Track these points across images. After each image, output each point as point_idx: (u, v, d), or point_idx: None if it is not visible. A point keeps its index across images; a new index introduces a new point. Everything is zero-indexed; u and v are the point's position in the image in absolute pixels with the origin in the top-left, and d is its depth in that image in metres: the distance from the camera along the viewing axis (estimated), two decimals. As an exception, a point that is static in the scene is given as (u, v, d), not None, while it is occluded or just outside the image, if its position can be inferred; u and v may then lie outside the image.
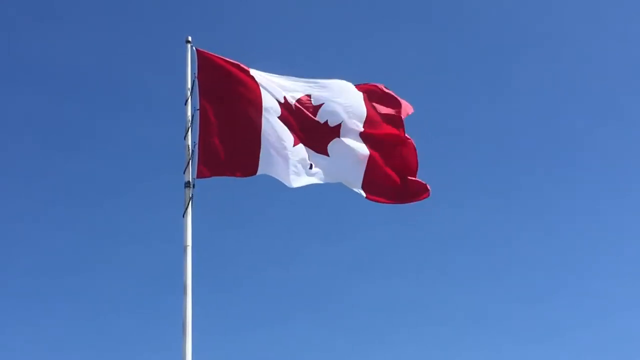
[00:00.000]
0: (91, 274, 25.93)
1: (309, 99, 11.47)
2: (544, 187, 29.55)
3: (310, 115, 11.38)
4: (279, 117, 11.18)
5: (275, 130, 11.12)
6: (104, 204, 27.40)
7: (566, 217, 29.24)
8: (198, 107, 11.04)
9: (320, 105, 11.47)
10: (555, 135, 30.12)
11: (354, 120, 11.53)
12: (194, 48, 11.28)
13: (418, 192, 11.66)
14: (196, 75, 11.15)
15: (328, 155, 11.36)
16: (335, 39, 29.88)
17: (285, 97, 11.30)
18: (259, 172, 11.07)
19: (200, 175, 10.82)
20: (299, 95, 11.44)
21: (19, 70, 28.42)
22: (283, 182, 11.10)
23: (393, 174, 11.55)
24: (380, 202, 11.58)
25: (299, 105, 11.36)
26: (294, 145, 11.17)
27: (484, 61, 30.69)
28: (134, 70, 28.76)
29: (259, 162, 11.05)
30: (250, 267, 26.79)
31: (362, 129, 11.53)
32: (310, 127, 11.35)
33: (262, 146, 11.04)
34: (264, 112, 11.13)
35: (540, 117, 30.25)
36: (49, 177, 27.68)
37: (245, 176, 11.10)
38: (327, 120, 11.45)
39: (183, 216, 10.64)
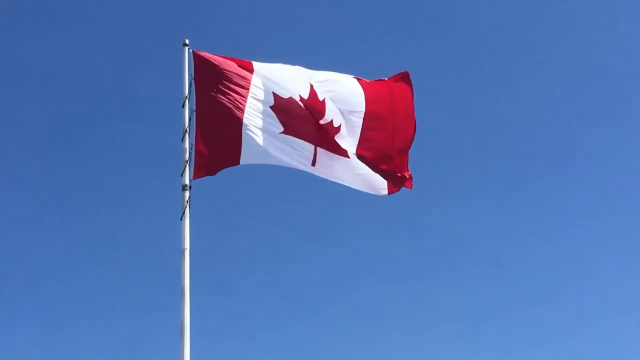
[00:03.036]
0: (89, 278, 25.95)
1: (315, 94, 11.44)
2: (544, 189, 29.58)
3: (318, 116, 11.39)
4: (270, 107, 11.20)
5: (260, 114, 11.12)
6: (101, 207, 27.42)
7: (566, 218, 29.26)
8: (195, 108, 11.08)
9: (324, 102, 11.45)
10: (555, 137, 30.15)
11: (353, 118, 11.56)
12: (191, 51, 11.30)
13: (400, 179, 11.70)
14: (193, 77, 11.18)
15: (349, 157, 11.44)
16: (334, 40, 29.91)
17: (292, 97, 11.29)
18: (242, 162, 11.10)
19: (196, 176, 10.85)
20: (305, 92, 11.41)
21: (15, 73, 28.43)
22: (268, 162, 11.17)
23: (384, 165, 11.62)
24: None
25: (308, 105, 11.35)
26: (281, 133, 11.17)
27: (483, 62, 30.73)
28: (132, 74, 28.77)
29: (241, 152, 11.07)
30: (248, 269, 26.82)
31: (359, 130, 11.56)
32: (319, 128, 11.38)
33: (243, 133, 11.05)
34: (249, 99, 11.13)
35: (539, 118, 30.28)
36: (47, 181, 27.69)
37: (229, 166, 11.09)
38: (332, 120, 11.46)
39: (181, 219, 10.64)
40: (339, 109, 11.52)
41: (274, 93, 11.24)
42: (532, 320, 26.18)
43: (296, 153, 11.27)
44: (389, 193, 11.70)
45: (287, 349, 24.61)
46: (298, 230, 28.10)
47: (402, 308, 26.16)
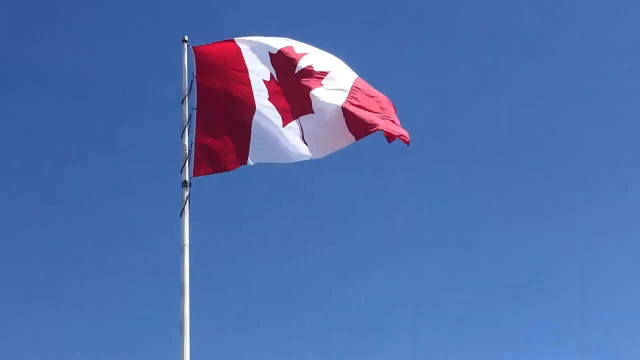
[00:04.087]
0: (88, 274, 25.90)
1: (292, 49, 11.32)
2: (543, 189, 29.55)
3: (292, 64, 11.16)
4: (268, 99, 11.12)
5: (265, 115, 11.03)
6: (101, 204, 27.37)
7: (566, 217, 29.22)
8: (195, 106, 11.06)
9: (303, 54, 11.29)
10: (556, 137, 30.09)
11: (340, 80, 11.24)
12: (190, 47, 11.29)
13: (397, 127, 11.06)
14: (194, 74, 11.17)
15: (313, 112, 10.98)
16: (334, 39, 29.76)
17: (271, 74, 11.19)
18: (249, 162, 11.02)
19: (196, 173, 10.84)
20: (281, 46, 11.30)
21: (12, 71, 28.40)
22: (277, 162, 11.04)
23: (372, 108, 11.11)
24: (369, 133, 10.88)
25: (282, 55, 11.21)
26: (283, 126, 11.03)
27: (483, 62, 30.68)
28: (131, 71, 28.72)
29: (249, 151, 10.99)
30: (249, 266, 26.76)
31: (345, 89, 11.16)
32: (295, 84, 11.10)
33: (252, 134, 10.99)
34: (255, 99, 11.10)
35: (541, 118, 30.22)
36: (46, 178, 27.65)
37: (236, 167, 11.01)
38: (311, 65, 11.19)
39: (180, 216, 10.64)
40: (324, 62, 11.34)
41: (264, 80, 11.15)
42: (530, 319, 26.19)
43: (292, 136, 11.03)
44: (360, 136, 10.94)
45: (288, 348, 24.60)
46: (300, 228, 28.10)
47: (403, 306, 26.13)
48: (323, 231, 27.94)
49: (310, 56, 11.30)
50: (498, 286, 27.33)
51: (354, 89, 11.18)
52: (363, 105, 11.04)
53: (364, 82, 11.42)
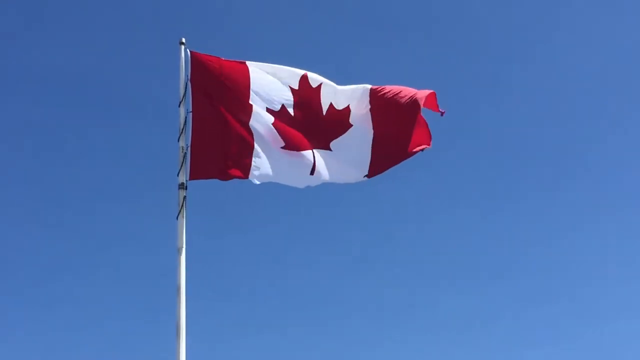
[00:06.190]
0: (84, 276, 25.90)
1: (306, 80, 11.34)
2: (543, 191, 29.57)
3: (313, 102, 11.28)
4: (272, 124, 11.15)
5: (265, 134, 11.08)
6: (97, 206, 27.37)
7: (566, 218, 29.24)
8: (191, 109, 11.03)
9: (319, 86, 11.33)
10: (559, 139, 30.09)
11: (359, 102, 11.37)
12: (187, 50, 11.26)
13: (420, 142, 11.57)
14: (189, 77, 11.12)
15: (330, 150, 11.22)
16: (333, 41, 29.83)
17: (283, 105, 11.21)
18: (250, 178, 11.03)
19: (192, 177, 10.82)
20: (296, 80, 11.30)
21: (10, 74, 28.37)
22: (282, 183, 11.15)
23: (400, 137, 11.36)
24: (386, 169, 11.34)
25: (299, 93, 11.25)
26: (282, 147, 11.08)
27: (483, 63, 30.69)
28: (127, 72, 28.71)
29: (251, 167, 11.01)
30: (245, 269, 26.77)
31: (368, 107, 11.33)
32: (313, 119, 11.24)
33: (254, 151, 11.02)
34: (253, 117, 11.08)
35: (540, 121, 30.24)
36: (43, 181, 27.64)
37: (236, 178, 11.06)
38: (331, 103, 11.34)
39: (177, 218, 10.61)
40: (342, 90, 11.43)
41: (267, 108, 11.17)
42: (529, 321, 26.19)
43: (297, 164, 11.15)
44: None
45: (284, 351, 24.59)
46: (297, 230, 28.10)
47: (401, 309, 26.14)
48: (321, 234, 27.97)
49: (326, 89, 11.33)
50: (499, 287, 27.34)
51: (374, 113, 11.31)
52: (388, 132, 11.27)
53: (377, 94, 11.42)
